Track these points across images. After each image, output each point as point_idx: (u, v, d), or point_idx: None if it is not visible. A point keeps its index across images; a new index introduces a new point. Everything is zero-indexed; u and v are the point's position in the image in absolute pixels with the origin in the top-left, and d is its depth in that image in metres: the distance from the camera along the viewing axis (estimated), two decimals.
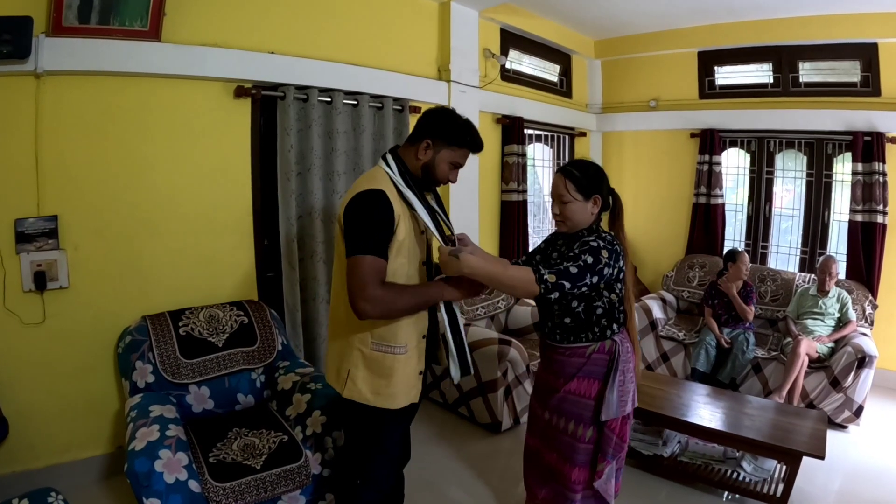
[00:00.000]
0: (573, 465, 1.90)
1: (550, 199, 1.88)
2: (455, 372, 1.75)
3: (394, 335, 1.66)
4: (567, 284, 1.65)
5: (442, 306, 1.70)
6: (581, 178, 1.81)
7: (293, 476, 2.07)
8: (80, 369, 2.49)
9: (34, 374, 2.38)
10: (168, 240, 2.68)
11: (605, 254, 1.71)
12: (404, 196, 1.63)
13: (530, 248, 4.63)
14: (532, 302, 4.02)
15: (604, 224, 1.92)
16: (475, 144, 1.72)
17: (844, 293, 3.72)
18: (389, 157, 1.69)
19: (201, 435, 2.25)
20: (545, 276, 1.64)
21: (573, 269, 1.67)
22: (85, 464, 2.52)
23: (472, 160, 3.90)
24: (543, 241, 2.07)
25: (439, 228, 1.73)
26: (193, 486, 1.85)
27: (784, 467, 2.55)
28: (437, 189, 1.83)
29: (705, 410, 2.81)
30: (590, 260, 1.69)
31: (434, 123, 1.68)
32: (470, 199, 4.02)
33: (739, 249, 4.04)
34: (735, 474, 2.69)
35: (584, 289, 1.69)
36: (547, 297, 1.67)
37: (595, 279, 1.70)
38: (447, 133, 1.67)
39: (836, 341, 3.58)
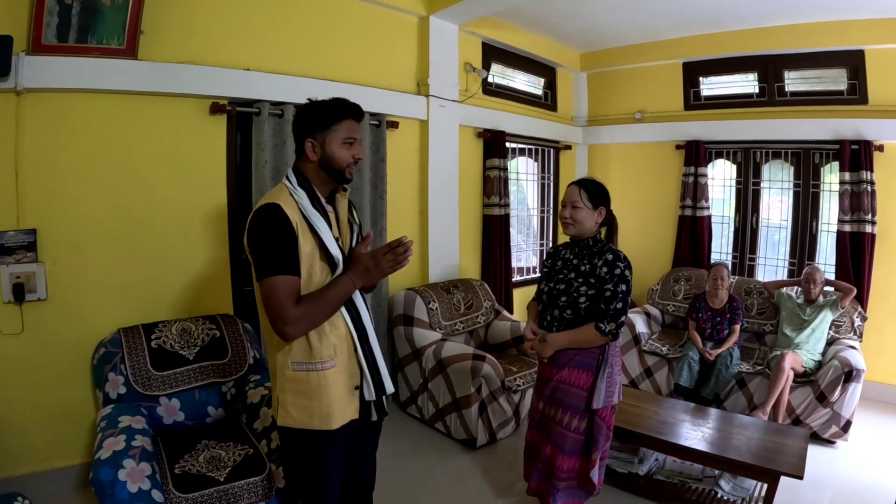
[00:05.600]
0: (562, 453, 2.12)
1: (562, 206, 2.17)
2: (367, 390, 1.67)
3: (315, 351, 1.58)
4: (623, 318, 2.04)
5: (350, 321, 1.64)
6: (593, 190, 2.13)
7: (256, 489, 2.07)
8: (57, 380, 2.52)
9: (12, 384, 2.42)
10: (145, 254, 2.72)
11: (628, 273, 2.06)
12: (301, 206, 1.56)
13: (513, 263, 4.63)
14: (512, 317, 4.00)
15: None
16: (351, 110, 1.63)
17: (831, 298, 3.70)
18: (290, 172, 1.64)
19: (170, 446, 2.27)
20: (607, 329, 2.02)
21: (620, 305, 2.03)
22: (61, 472, 2.55)
23: (453, 174, 3.97)
24: (548, 257, 2.33)
25: (350, 234, 1.70)
26: (156, 495, 1.86)
27: (764, 485, 2.49)
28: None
29: (682, 428, 2.75)
30: (624, 287, 2.04)
31: (302, 121, 1.62)
32: (450, 214, 4.03)
33: (717, 262, 4.03)
34: (713, 493, 2.64)
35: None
36: (557, 293, 2.12)
37: (630, 296, 2.08)
38: (317, 120, 1.60)
39: (822, 355, 3.53)
